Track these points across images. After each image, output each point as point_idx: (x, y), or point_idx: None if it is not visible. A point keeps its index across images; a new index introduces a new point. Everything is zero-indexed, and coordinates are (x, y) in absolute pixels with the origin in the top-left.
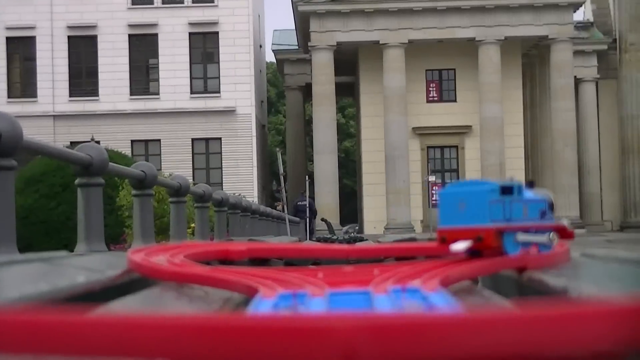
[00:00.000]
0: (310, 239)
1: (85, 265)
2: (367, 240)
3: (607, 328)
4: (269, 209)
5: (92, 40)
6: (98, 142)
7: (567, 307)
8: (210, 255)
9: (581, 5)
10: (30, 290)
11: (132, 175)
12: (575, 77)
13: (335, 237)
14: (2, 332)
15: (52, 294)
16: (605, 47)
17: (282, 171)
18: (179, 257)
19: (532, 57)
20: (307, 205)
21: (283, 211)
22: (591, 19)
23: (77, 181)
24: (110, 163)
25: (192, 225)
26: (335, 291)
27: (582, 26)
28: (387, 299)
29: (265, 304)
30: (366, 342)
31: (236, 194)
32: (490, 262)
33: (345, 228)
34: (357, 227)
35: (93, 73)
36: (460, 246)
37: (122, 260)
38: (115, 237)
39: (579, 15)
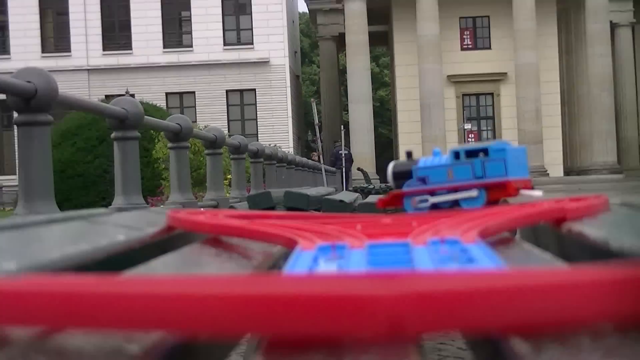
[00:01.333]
0: (347, 189)
1: (125, 223)
2: None
3: None
4: (304, 160)
5: None
6: (133, 96)
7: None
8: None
9: None
10: (70, 251)
11: (168, 128)
12: (611, 21)
13: (371, 187)
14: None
15: (93, 253)
16: None
17: (317, 121)
18: (220, 215)
19: (567, 2)
20: (348, 155)
21: (319, 161)
22: None
23: (112, 135)
24: (146, 116)
25: (229, 176)
26: (374, 243)
27: None
28: (426, 251)
29: (305, 257)
30: (414, 311)
31: (272, 145)
32: (529, 212)
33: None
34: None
35: (126, 26)
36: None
37: (162, 217)
38: (152, 190)
39: None
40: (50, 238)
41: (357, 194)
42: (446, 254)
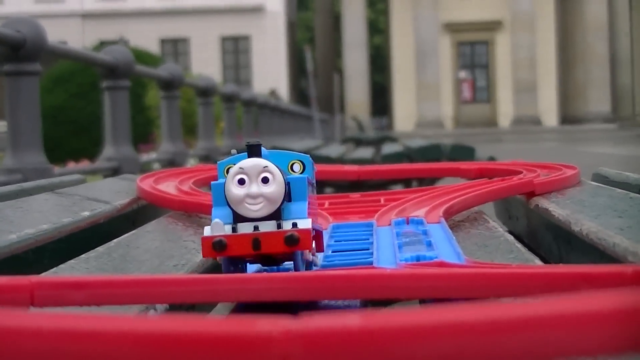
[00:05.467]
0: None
1: (93, 195)
2: (396, 140)
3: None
4: (298, 108)
5: None
6: (127, 41)
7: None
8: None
9: None
10: (30, 230)
11: (159, 77)
12: None
13: (364, 137)
14: None
15: (57, 230)
16: None
17: (311, 68)
18: (188, 184)
19: None
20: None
21: (313, 108)
22: None
23: (103, 84)
24: (137, 65)
25: (221, 124)
26: (338, 223)
27: None
28: (389, 232)
29: None
30: (304, 355)
31: (269, 91)
32: (497, 188)
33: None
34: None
35: None
36: None
37: (132, 185)
38: (145, 136)
39: None
40: (14, 216)
41: (345, 147)
42: (408, 236)
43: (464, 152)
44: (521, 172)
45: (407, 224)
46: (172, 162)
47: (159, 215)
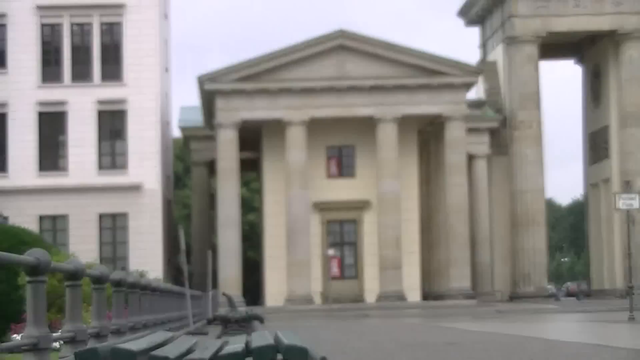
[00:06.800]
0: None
1: None
2: (261, 319)
3: None
4: (169, 285)
5: (1, 118)
6: (6, 218)
7: None
8: None
9: (474, 85)
10: None
11: (24, 263)
12: (468, 153)
13: (232, 315)
14: None
15: None
16: (496, 124)
17: (184, 247)
18: None
19: (427, 134)
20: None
21: (185, 286)
22: (484, 98)
23: None
24: (0, 252)
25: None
26: None
27: (475, 104)
28: None
29: None
30: None
31: (139, 270)
32: None
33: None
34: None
35: (1, 149)
36: None
37: None
38: (19, 314)
39: (472, 94)
40: None
41: (196, 340)
42: None
43: (297, 353)
44: None
45: None
46: (36, 346)
47: None
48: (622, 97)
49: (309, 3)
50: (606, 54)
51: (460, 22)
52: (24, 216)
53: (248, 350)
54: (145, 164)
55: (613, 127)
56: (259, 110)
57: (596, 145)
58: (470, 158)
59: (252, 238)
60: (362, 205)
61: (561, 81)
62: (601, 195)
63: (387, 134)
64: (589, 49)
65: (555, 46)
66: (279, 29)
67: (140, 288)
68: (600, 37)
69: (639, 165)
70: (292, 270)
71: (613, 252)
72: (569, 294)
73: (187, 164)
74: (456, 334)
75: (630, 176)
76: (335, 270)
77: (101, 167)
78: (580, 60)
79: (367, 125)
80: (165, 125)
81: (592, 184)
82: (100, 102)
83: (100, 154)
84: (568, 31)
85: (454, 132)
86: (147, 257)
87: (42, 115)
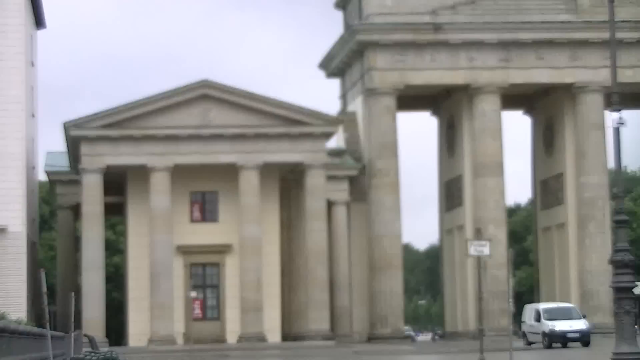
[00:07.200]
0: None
1: None
2: None
3: None
4: (29, 327)
5: None
6: None
7: None
8: None
9: (334, 134)
10: None
11: None
12: (328, 199)
13: (91, 356)
14: None
15: None
16: (356, 172)
17: (45, 289)
18: None
19: (289, 181)
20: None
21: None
22: (344, 147)
23: None
24: None
25: None
26: None
27: (335, 153)
28: None
29: None
30: None
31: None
32: None
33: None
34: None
35: None
36: None
37: None
38: None
39: (332, 143)
40: None
41: None
42: None
43: None
44: None
45: None
46: None
47: None
48: (475, 147)
49: (178, 52)
50: (460, 106)
51: (322, 73)
52: None
53: None
54: (9, 207)
55: (466, 176)
56: (123, 156)
57: (451, 193)
58: (330, 204)
59: (117, 279)
60: (224, 249)
61: (418, 131)
62: (455, 241)
63: (249, 181)
64: (445, 101)
65: (412, 98)
66: (148, 77)
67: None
68: (455, 90)
69: (491, 213)
70: (155, 311)
71: (466, 296)
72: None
73: (53, 207)
74: None
75: (482, 223)
76: (197, 311)
77: None
78: (436, 112)
79: (230, 172)
80: (30, 169)
81: (447, 230)
82: None
83: None
84: (425, 84)
85: (314, 180)
86: (11, 299)
87: None
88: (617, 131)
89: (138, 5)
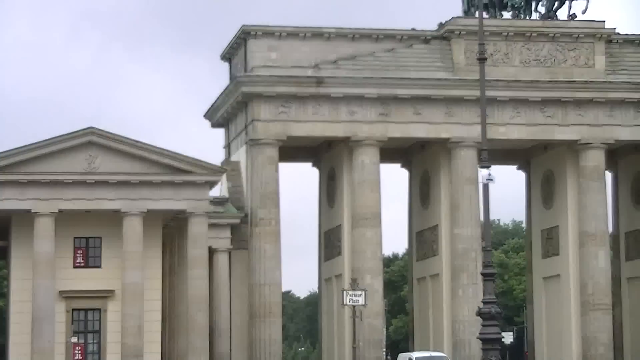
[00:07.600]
0: None
1: None
2: None
3: None
4: None
5: None
6: None
7: None
8: None
9: (217, 183)
10: None
11: None
12: (210, 247)
13: None
14: None
15: None
16: (238, 220)
17: None
18: None
19: (172, 228)
20: None
21: None
22: (227, 195)
23: None
24: None
25: None
26: None
27: (218, 201)
28: None
29: None
30: None
31: None
32: None
33: None
34: None
35: None
36: None
37: None
38: None
39: (215, 192)
40: None
41: None
42: None
43: None
44: None
45: None
46: None
47: None
48: (354, 199)
49: (66, 98)
50: (341, 158)
51: (207, 123)
52: None
53: None
54: None
55: (345, 226)
56: (8, 200)
57: (330, 243)
58: (212, 252)
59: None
60: (107, 295)
61: (300, 182)
62: (334, 290)
63: (133, 227)
64: (326, 153)
65: (294, 149)
66: (36, 122)
67: None
68: (336, 142)
69: (368, 263)
70: (35, 356)
71: (343, 344)
72: None
73: None
74: None
75: (359, 273)
76: (78, 357)
77: None
78: (318, 163)
79: (114, 218)
80: None
81: (326, 279)
82: None
83: None
84: (306, 136)
85: (196, 228)
86: None
87: None
88: (486, 187)
89: (25, 50)
